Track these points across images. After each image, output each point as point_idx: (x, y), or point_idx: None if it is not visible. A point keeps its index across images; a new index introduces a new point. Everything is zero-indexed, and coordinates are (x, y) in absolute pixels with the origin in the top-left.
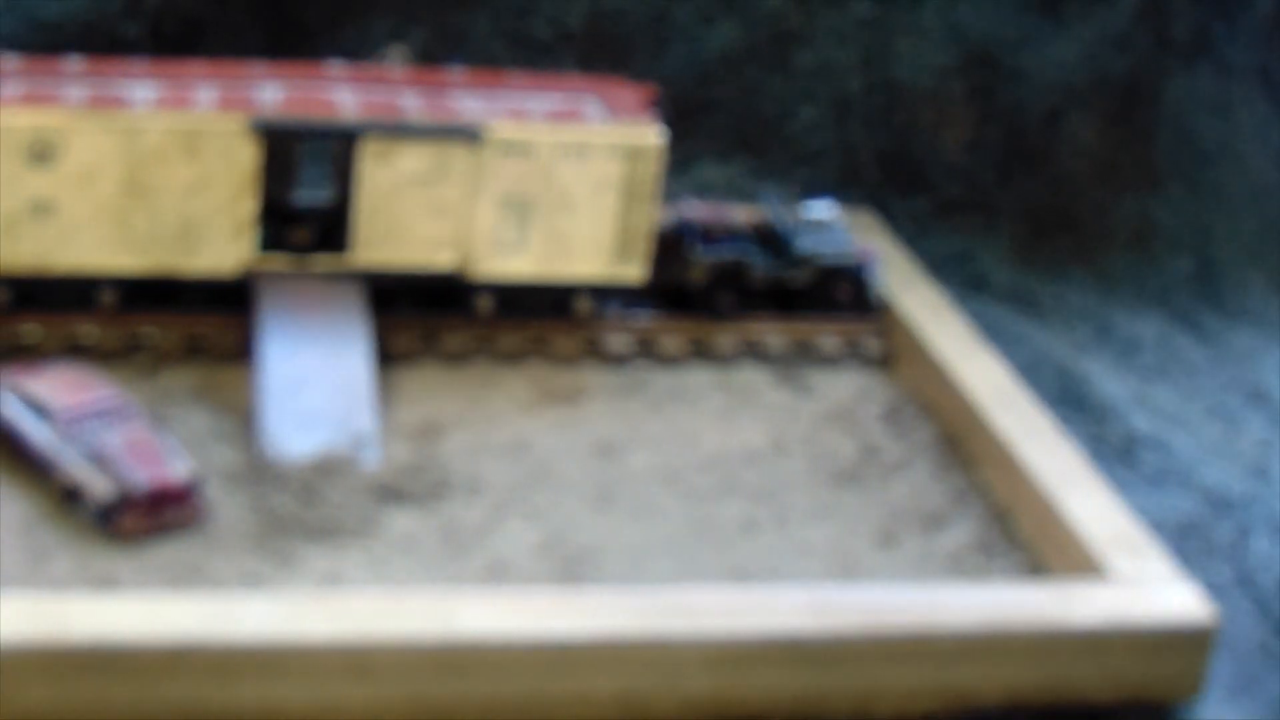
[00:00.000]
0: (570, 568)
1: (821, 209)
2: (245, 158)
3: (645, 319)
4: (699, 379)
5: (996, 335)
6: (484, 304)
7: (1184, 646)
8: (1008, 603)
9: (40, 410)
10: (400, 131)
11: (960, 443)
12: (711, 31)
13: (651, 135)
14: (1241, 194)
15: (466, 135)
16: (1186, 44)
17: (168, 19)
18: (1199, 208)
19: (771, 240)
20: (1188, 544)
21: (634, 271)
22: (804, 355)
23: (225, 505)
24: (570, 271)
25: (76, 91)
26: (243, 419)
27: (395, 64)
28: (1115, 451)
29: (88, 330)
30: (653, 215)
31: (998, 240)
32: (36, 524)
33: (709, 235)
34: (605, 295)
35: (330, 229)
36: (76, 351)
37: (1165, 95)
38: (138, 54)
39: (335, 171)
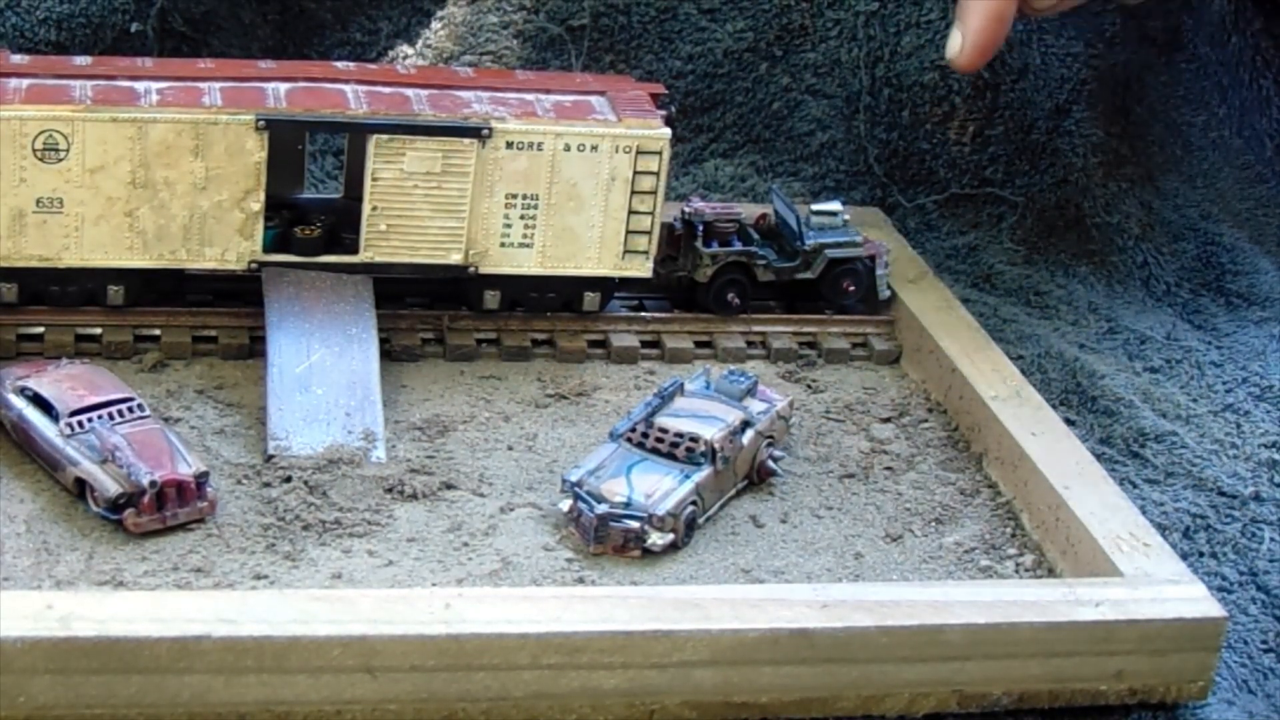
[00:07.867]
0: (577, 565)
1: (828, 206)
2: (253, 153)
3: (652, 316)
4: None
5: (1004, 332)
6: (491, 300)
7: (1192, 644)
8: (1015, 600)
9: (48, 407)
10: (408, 128)
11: (968, 440)
12: (719, 28)
13: (658, 132)
14: (1232, 180)
15: (474, 132)
16: (1163, 40)
17: (176, 16)
18: (1198, 197)
19: (778, 237)
20: (1196, 541)
21: (641, 268)
22: (811, 352)
23: (232, 502)
24: (577, 268)
25: (84, 88)
26: (250, 416)
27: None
28: (1123, 448)
29: (95, 326)
30: (659, 212)
31: (1005, 236)
32: (44, 521)
33: (716, 232)
34: (612, 291)
35: (338, 225)
36: (84, 348)
37: (1150, 89)
38: (145, 51)
39: (343, 168)
